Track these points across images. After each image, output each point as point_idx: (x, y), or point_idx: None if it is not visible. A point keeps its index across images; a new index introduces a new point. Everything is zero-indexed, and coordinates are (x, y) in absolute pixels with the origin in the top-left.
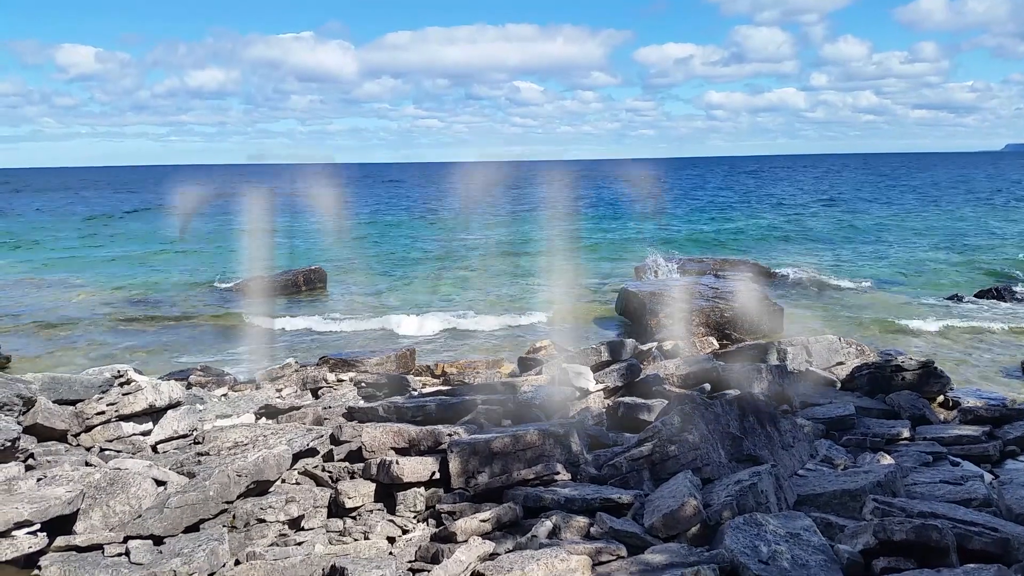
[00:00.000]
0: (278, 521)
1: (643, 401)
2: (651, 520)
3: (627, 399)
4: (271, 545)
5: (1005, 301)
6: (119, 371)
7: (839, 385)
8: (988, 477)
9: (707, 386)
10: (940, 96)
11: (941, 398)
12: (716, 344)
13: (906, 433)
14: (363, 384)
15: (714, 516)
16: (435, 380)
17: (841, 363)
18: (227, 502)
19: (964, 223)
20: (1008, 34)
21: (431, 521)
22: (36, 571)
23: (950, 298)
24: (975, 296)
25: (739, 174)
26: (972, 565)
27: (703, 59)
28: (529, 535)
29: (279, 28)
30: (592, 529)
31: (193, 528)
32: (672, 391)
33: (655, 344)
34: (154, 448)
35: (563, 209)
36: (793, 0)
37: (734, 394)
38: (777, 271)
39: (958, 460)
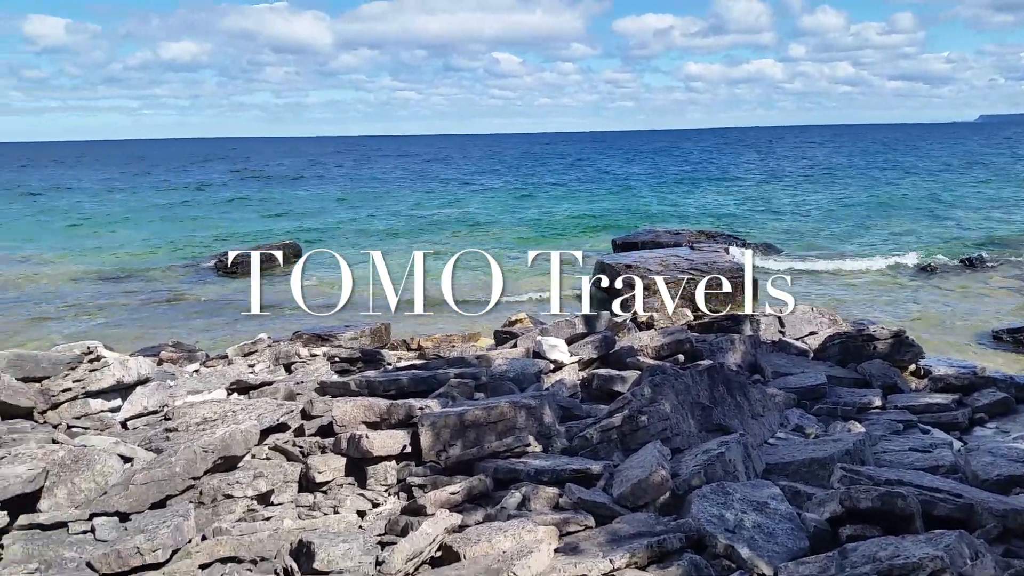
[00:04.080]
0: (246, 496)
1: (617, 373)
2: (620, 490)
3: (601, 371)
4: (239, 520)
5: (976, 269)
6: (88, 347)
7: (811, 355)
8: (957, 444)
9: (680, 357)
10: (916, 67)
11: (913, 367)
12: (691, 315)
13: (877, 402)
14: (336, 359)
15: (682, 486)
16: (410, 354)
17: (814, 333)
18: (194, 478)
19: (943, 192)
20: (983, 5)
21: (402, 495)
22: None
23: (924, 268)
24: (948, 265)
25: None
26: (936, 531)
27: (683, 30)
28: (498, 507)
29: None
30: (561, 500)
31: (160, 504)
32: (646, 362)
33: (630, 316)
34: (124, 425)
35: (553, 181)
36: None
37: (705, 364)
38: (753, 243)
39: (928, 428)
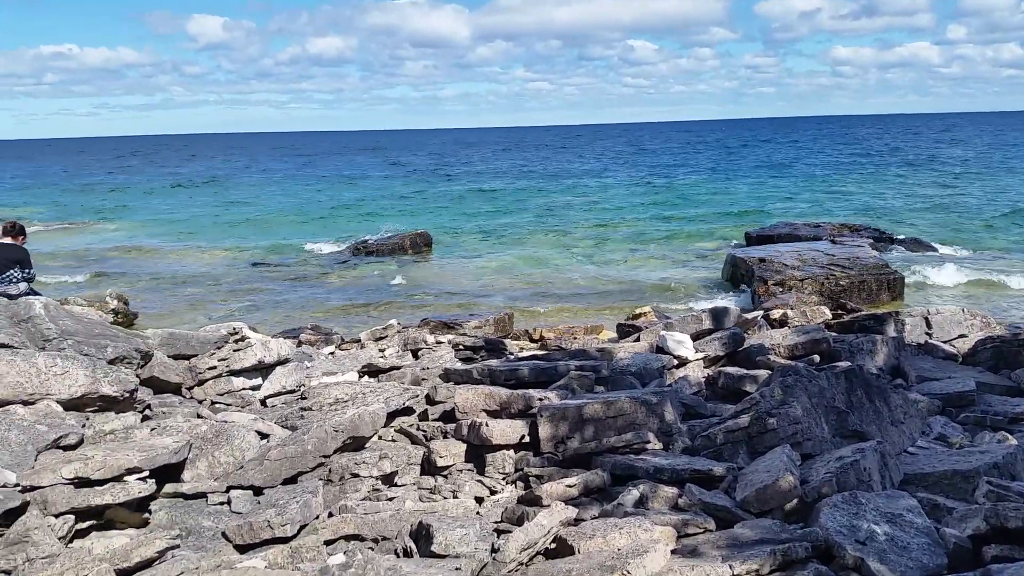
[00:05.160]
0: (371, 476)
1: (746, 372)
2: (743, 494)
3: (729, 369)
4: (363, 499)
5: None
6: (234, 328)
7: (960, 359)
8: None
9: (816, 358)
10: None
11: None
12: (828, 314)
13: None
14: (460, 346)
15: (812, 493)
16: (532, 344)
17: (964, 336)
18: (324, 456)
19: None
20: None
21: (519, 484)
22: (147, 515)
23: None
24: None
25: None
26: None
27: (831, 12)
28: (615, 503)
29: None
30: (680, 501)
31: (291, 480)
32: (777, 362)
33: (761, 312)
34: (263, 402)
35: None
36: None
37: (843, 366)
38: (899, 237)
39: None
